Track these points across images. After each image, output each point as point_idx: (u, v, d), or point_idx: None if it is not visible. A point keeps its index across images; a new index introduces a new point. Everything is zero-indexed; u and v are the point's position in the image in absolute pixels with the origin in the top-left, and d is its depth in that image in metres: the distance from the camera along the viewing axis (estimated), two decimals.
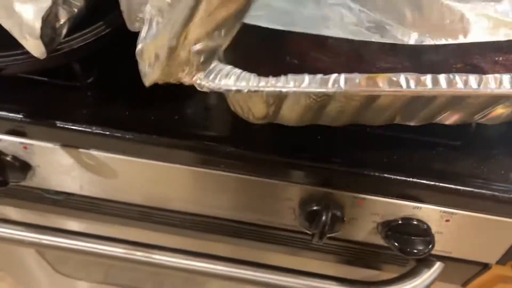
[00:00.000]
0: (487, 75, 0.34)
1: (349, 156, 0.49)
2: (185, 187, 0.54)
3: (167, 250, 0.55)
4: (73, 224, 0.66)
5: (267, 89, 0.33)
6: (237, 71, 0.34)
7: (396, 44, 0.43)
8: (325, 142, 0.49)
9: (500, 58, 0.44)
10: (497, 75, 0.34)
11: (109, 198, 0.58)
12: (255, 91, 0.33)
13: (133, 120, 0.49)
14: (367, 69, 0.46)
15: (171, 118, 0.49)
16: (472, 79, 0.34)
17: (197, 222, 0.60)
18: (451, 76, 0.34)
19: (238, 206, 0.56)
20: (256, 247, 0.62)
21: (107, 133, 0.48)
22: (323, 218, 0.50)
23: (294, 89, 0.35)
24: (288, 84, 0.34)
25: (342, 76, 0.35)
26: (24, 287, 1.10)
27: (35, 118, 0.49)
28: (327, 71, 0.36)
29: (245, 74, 0.33)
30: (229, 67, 0.34)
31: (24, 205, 0.64)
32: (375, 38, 0.40)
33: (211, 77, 0.33)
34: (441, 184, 0.48)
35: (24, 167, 0.53)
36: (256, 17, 0.39)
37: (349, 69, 0.45)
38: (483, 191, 0.48)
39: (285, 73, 0.36)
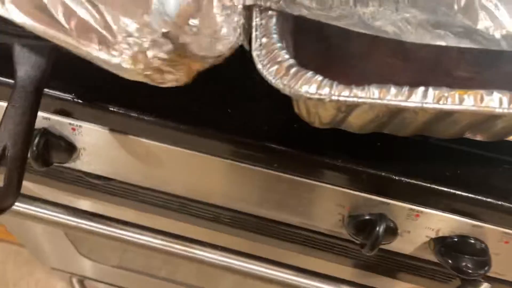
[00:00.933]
0: None
1: (409, 165, 0.46)
2: (232, 183, 0.52)
3: (207, 246, 0.53)
4: (108, 210, 0.64)
5: (349, 99, 0.31)
6: (318, 77, 0.31)
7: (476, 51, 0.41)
8: (385, 149, 0.47)
9: None
10: None
11: (150, 187, 0.56)
12: (337, 100, 0.31)
13: (188, 111, 0.47)
14: (443, 78, 0.43)
15: (227, 113, 0.47)
16: None
17: (238, 219, 0.58)
18: None
19: (285, 207, 0.54)
20: (296, 251, 0.60)
21: (160, 121, 0.46)
22: (377, 229, 0.48)
23: (379, 101, 0.32)
24: (372, 95, 0.32)
25: (431, 90, 0.32)
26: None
27: (87, 99, 0.47)
28: (402, 77, 0.34)
29: (327, 81, 0.31)
30: (310, 72, 0.32)
31: (61, 186, 0.62)
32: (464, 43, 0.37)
33: (291, 81, 0.31)
34: (504, 204, 0.46)
35: (70, 149, 0.51)
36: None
37: (424, 77, 0.43)
38: None
39: (360, 78, 0.33)
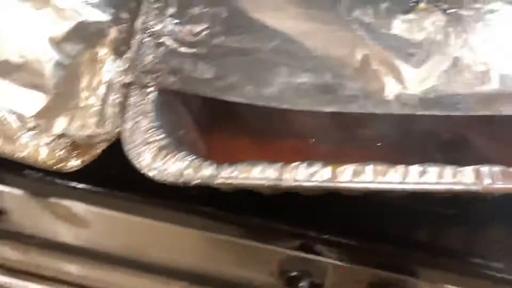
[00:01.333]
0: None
1: (328, 221, 0.46)
2: (169, 244, 0.52)
3: None
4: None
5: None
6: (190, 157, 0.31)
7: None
8: (304, 206, 0.46)
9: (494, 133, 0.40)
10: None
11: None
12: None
13: None
14: (348, 138, 0.43)
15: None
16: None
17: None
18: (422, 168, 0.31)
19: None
20: None
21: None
22: (301, 284, 0.47)
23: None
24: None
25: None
26: None
27: None
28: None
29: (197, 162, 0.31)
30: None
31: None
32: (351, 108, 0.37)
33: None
34: (429, 258, 0.45)
35: None
36: None
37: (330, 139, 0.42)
38: (475, 269, 0.44)
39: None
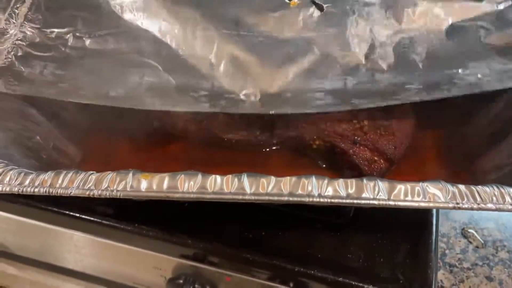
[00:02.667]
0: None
1: (213, 229, 0.45)
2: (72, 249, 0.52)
3: None
4: None
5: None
6: None
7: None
8: (189, 212, 0.45)
9: (358, 138, 0.38)
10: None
11: None
12: None
13: None
14: (217, 142, 0.42)
15: None
16: None
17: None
18: None
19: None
20: None
21: None
22: None
23: None
24: None
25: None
26: None
27: None
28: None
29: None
30: None
31: None
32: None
33: None
34: (312, 272, 0.43)
35: None
36: None
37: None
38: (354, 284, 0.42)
39: None
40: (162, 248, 0.47)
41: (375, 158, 0.38)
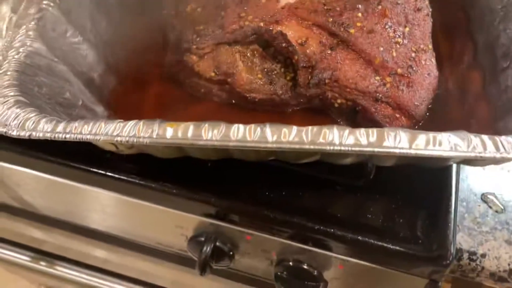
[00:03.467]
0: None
1: (237, 189, 0.46)
2: (95, 207, 0.54)
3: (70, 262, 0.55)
4: None
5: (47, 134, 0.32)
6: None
7: None
8: (212, 172, 0.46)
9: (380, 95, 0.39)
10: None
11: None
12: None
13: None
14: (240, 101, 0.43)
15: None
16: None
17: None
18: None
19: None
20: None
21: None
22: (204, 249, 0.48)
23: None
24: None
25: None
26: None
27: None
28: None
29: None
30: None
31: None
32: None
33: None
34: (331, 231, 0.44)
35: None
36: None
37: None
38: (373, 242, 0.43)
39: None
40: (185, 206, 0.48)
41: (397, 115, 0.39)
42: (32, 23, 0.37)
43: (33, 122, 0.32)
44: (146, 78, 0.49)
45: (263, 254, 0.49)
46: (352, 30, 0.39)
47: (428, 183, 0.45)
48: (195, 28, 0.42)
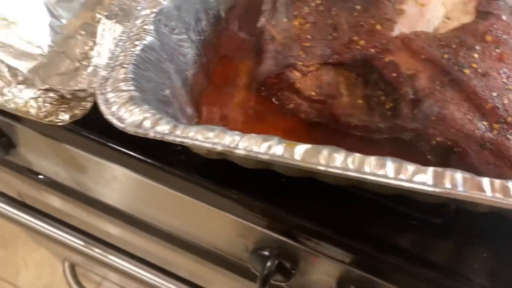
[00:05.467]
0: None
1: (313, 210, 0.45)
2: (155, 202, 0.54)
3: (122, 253, 0.55)
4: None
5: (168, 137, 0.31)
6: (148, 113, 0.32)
7: None
8: (286, 188, 0.46)
9: (487, 143, 0.38)
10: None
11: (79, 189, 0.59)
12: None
13: None
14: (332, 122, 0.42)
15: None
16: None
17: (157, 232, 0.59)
18: None
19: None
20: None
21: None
22: (268, 264, 0.47)
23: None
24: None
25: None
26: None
27: None
28: None
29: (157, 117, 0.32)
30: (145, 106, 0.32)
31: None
32: None
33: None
34: (402, 265, 0.43)
35: (9, 144, 0.55)
36: None
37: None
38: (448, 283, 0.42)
39: None
40: (253, 218, 0.47)
41: (497, 163, 0.38)
42: (151, 16, 0.37)
43: (151, 122, 0.32)
44: (234, 84, 0.49)
45: (325, 276, 0.49)
46: (466, 71, 0.38)
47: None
48: (302, 44, 0.41)
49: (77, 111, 0.39)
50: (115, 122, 0.32)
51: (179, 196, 0.50)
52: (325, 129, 0.45)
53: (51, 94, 0.37)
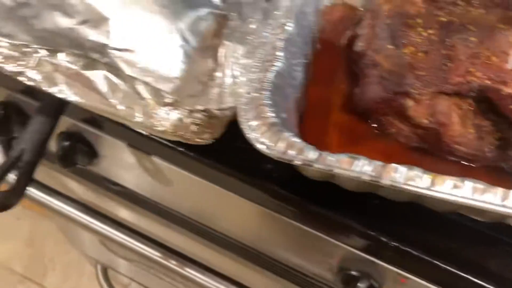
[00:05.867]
0: None
1: (402, 230, 0.46)
2: (234, 215, 0.55)
3: (201, 267, 0.55)
4: (122, 212, 0.69)
5: (316, 165, 0.32)
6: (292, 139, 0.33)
7: None
8: (382, 211, 0.47)
9: None
10: None
11: (157, 201, 0.60)
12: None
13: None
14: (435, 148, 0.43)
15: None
16: None
17: (233, 247, 0.60)
18: None
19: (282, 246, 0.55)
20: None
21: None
22: (360, 285, 0.48)
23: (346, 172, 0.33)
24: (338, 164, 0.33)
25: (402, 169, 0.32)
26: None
27: None
28: None
29: (300, 144, 0.33)
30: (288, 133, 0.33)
31: (85, 184, 0.68)
32: None
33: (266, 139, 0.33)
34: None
35: (92, 154, 0.56)
36: None
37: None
38: None
39: None
40: (342, 236, 0.48)
41: None
42: (280, 43, 0.38)
43: (296, 149, 0.33)
44: (329, 106, 0.49)
45: None
46: None
47: None
48: (415, 72, 0.42)
49: (216, 131, 0.40)
50: (262, 148, 0.32)
51: (265, 211, 0.50)
52: (423, 153, 0.46)
53: (195, 115, 0.37)
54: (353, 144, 0.48)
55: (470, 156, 0.43)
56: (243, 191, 0.50)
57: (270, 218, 0.51)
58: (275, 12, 0.40)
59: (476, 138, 0.42)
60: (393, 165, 0.33)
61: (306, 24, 0.45)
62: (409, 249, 0.45)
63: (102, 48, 0.38)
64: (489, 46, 0.41)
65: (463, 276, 0.44)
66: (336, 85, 0.51)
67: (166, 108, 0.37)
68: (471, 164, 0.45)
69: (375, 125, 0.47)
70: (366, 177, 0.32)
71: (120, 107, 0.37)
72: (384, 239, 0.45)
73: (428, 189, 0.32)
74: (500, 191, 0.32)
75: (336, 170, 0.32)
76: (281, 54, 0.38)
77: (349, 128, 0.48)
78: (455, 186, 0.32)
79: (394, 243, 0.45)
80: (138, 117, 0.37)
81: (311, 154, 0.32)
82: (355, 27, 0.51)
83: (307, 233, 0.50)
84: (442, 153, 0.45)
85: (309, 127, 0.47)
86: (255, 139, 0.33)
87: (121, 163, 0.56)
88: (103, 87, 0.38)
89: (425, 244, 0.45)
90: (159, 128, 0.36)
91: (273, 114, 0.34)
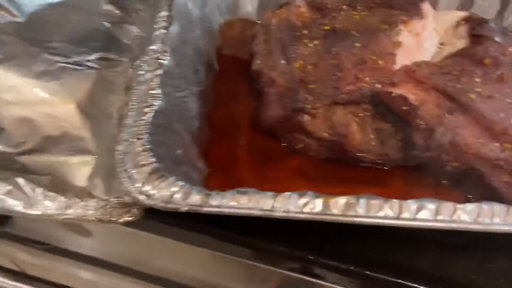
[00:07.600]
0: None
1: (331, 246, 0.44)
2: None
3: None
4: None
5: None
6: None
7: None
8: (304, 230, 0.45)
9: (502, 163, 0.39)
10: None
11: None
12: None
13: None
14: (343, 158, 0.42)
15: None
16: None
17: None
18: None
19: None
20: None
21: None
22: None
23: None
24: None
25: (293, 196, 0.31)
26: None
27: None
28: None
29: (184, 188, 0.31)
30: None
31: None
32: None
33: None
34: None
35: None
36: None
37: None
38: None
39: None
40: (273, 260, 0.46)
41: None
42: (155, 80, 0.36)
43: (181, 195, 0.31)
44: (236, 128, 0.48)
45: None
46: (472, 95, 0.39)
47: None
48: (307, 86, 0.41)
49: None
50: (143, 199, 0.30)
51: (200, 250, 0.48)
52: (337, 163, 0.45)
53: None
54: (265, 164, 0.46)
55: (378, 161, 0.43)
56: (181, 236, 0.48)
57: (209, 257, 0.49)
58: (150, 47, 0.38)
59: (378, 143, 0.41)
60: (284, 194, 0.31)
61: (190, 52, 0.43)
62: (339, 264, 0.44)
63: None
64: (374, 49, 0.41)
65: (393, 282, 0.43)
66: (241, 106, 0.49)
67: (88, 200, 0.35)
68: (384, 168, 0.45)
69: (285, 143, 0.46)
70: (257, 213, 0.30)
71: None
72: (312, 257, 0.44)
73: (322, 214, 0.31)
74: (395, 204, 0.31)
75: (227, 211, 0.30)
76: (159, 91, 0.36)
77: (260, 148, 0.47)
78: (347, 205, 0.31)
79: (323, 260, 0.44)
80: None
81: (197, 198, 0.30)
82: (252, 43, 0.50)
83: (244, 265, 0.48)
84: (352, 161, 0.44)
85: (216, 153, 0.46)
86: (135, 191, 0.31)
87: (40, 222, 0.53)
88: None
89: (355, 256, 0.43)
90: (87, 219, 0.34)
91: (154, 159, 0.32)
